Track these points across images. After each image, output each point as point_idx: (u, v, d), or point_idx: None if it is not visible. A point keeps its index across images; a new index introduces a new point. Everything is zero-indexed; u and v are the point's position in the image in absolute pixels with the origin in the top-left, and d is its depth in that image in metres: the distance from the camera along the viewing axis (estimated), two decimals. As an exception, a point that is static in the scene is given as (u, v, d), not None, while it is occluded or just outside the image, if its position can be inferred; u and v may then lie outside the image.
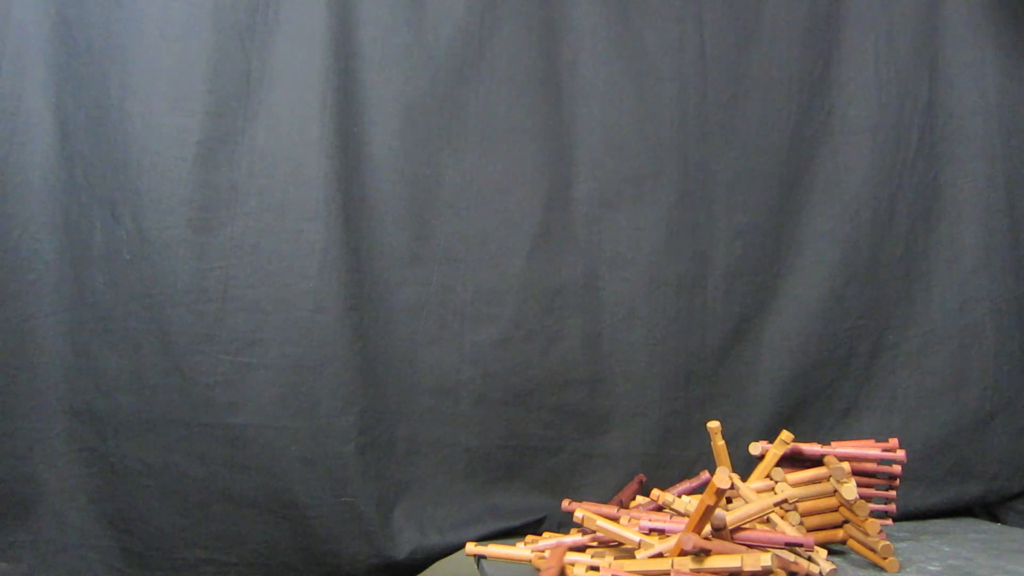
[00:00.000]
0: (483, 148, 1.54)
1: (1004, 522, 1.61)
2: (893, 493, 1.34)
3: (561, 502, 1.36)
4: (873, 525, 1.23)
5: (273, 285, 1.38)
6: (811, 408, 1.63)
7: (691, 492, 1.39)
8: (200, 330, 1.34)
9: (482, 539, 1.40)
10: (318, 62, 1.44)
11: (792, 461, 1.34)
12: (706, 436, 1.42)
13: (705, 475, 1.43)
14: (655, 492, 1.31)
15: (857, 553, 1.29)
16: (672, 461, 1.53)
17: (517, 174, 1.54)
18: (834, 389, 1.64)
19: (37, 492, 1.32)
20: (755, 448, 1.35)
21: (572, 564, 1.16)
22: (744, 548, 1.06)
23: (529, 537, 1.35)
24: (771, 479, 1.32)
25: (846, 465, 1.27)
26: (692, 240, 1.61)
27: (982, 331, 1.65)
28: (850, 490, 1.23)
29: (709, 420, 1.37)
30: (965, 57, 1.70)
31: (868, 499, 1.29)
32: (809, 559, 1.12)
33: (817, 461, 1.33)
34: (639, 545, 1.13)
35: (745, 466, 1.41)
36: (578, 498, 1.45)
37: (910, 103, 1.69)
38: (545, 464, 1.52)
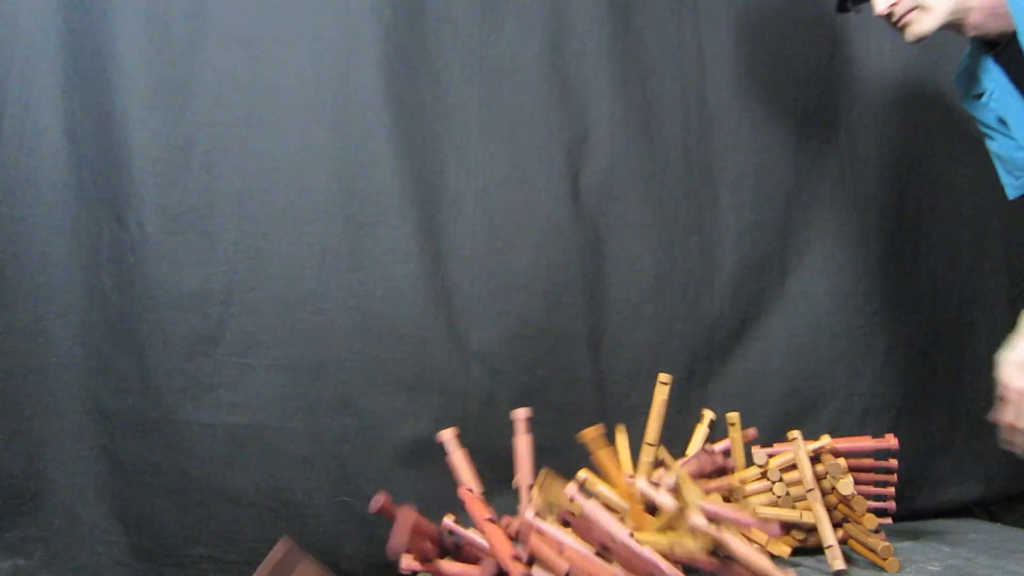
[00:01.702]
0: (488, 144, 1.53)
1: (1004, 522, 1.60)
2: (891, 491, 1.33)
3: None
4: (871, 520, 1.23)
5: (274, 287, 1.39)
6: (819, 406, 1.63)
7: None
8: (204, 332, 1.36)
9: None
10: (321, 66, 1.45)
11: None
12: (708, 436, 1.43)
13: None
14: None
15: (857, 553, 1.29)
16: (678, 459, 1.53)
17: (524, 170, 1.54)
18: (843, 387, 1.63)
19: (48, 489, 1.34)
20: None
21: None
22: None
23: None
24: (756, 465, 1.33)
25: (842, 461, 1.26)
26: (699, 238, 1.61)
27: (978, 330, 1.64)
28: (846, 485, 1.23)
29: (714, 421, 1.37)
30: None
31: (867, 496, 1.28)
32: None
33: None
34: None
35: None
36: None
37: (917, 100, 1.68)
38: (550, 463, 1.51)
